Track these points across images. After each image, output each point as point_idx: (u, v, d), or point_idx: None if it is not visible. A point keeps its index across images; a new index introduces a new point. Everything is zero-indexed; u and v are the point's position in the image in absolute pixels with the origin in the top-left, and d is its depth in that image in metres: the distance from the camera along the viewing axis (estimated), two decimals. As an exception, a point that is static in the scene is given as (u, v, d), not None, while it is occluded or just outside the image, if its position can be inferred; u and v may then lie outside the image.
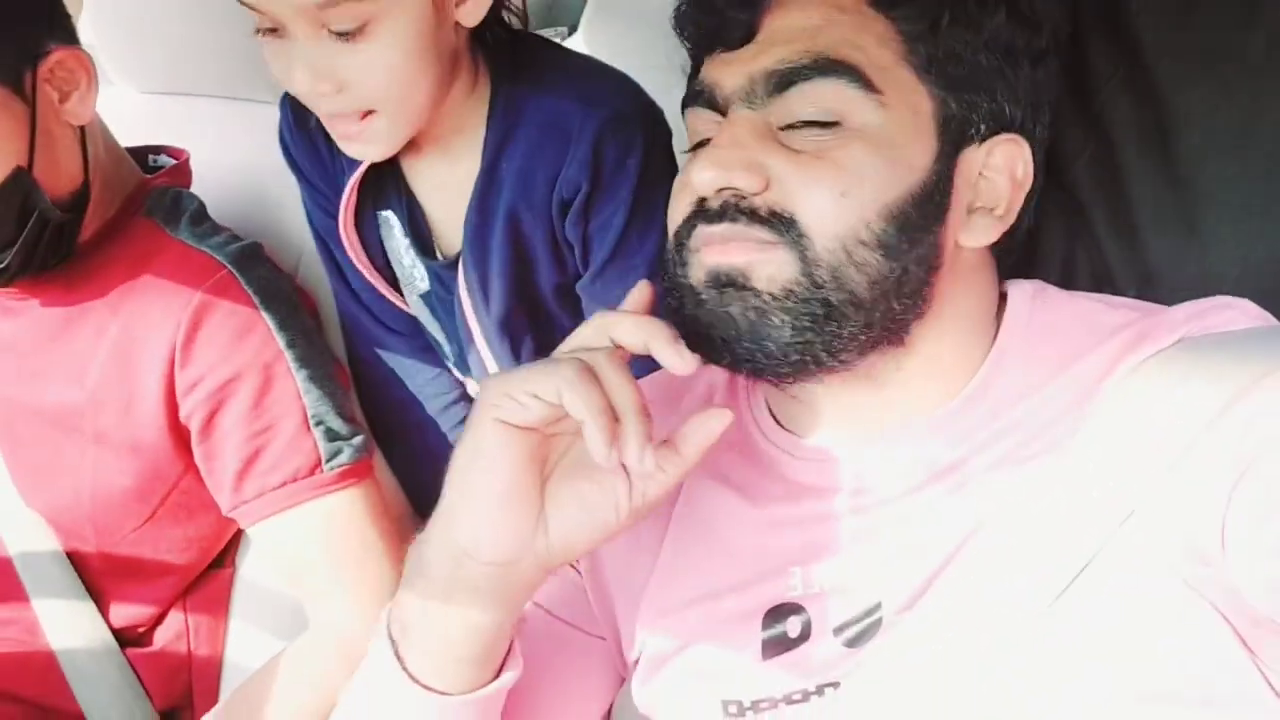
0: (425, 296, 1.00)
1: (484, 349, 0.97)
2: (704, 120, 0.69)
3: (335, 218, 0.98)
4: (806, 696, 0.66)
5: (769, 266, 0.62)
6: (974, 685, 0.59)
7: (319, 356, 0.92)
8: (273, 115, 1.18)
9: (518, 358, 0.96)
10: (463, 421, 1.05)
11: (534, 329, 0.95)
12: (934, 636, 0.61)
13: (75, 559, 0.96)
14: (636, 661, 0.74)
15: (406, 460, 1.06)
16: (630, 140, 0.86)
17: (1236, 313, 0.63)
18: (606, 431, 0.58)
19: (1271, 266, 0.79)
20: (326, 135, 0.92)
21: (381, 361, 1.05)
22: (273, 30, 0.79)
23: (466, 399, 1.08)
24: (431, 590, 0.63)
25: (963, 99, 0.65)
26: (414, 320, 1.04)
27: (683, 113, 0.74)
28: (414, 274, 0.99)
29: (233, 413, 0.88)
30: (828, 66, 0.62)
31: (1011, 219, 0.68)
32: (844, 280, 0.61)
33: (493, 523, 0.61)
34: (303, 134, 0.96)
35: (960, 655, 0.60)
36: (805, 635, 0.66)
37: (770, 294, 0.62)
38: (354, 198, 0.95)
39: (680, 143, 0.85)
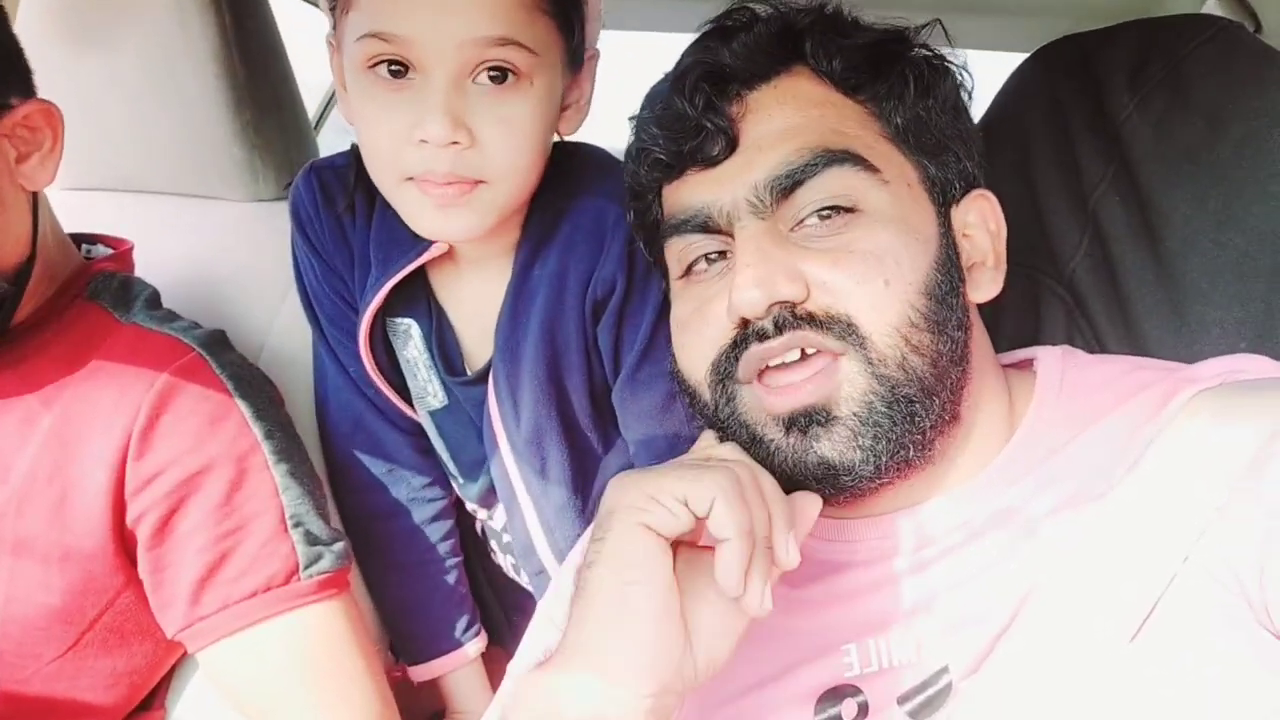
0: (436, 414, 0.95)
1: (510, 462, 0.92)
2: (697, 243, 0.70)
3: (345, 299, 0.93)
4: None
5: (844, 388, 0.63)
6: None
7: (298, 452, 0.85)
8: (222, 211, 1.14)
9: (544, 472, 0.91)
10: (446, 536, 0.98)
11: (564, 441, 0.91)
12: (1006, 695, 0.60)
13: (-32, 703, 0.80)
14: None
15: (382, 574, 0.99)
16: None
17: (1264, 364, 0.69)
18: (747, 558, 0.56)
19: (1254, 352, 0.86)
20: (353, 222, 0.90)
21: (364, 465, 0.98)
22: (399, 71, 0.75)
23: (452, 512, 1.02)
24: None
25: (938, 161, 0.70)
26: (413, 421, 0.98)
27: (648, 248, 0.76)
28: (428, 389, 0.94)
29: (197, 511, 0.78)
30: (829, 158, 0.66)
31: (1004, 267, 0.73)
32: (911, 370, 0.64)
33: (652, 643, 0.57)
34: (330, 214, 0.91)
35: (1039, 707, 0.59)
36: (863, 714, 0.65)
37: (855, 415, 0.63)
38: (381, 304, 0.89)
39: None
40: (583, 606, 0.58)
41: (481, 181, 0.77)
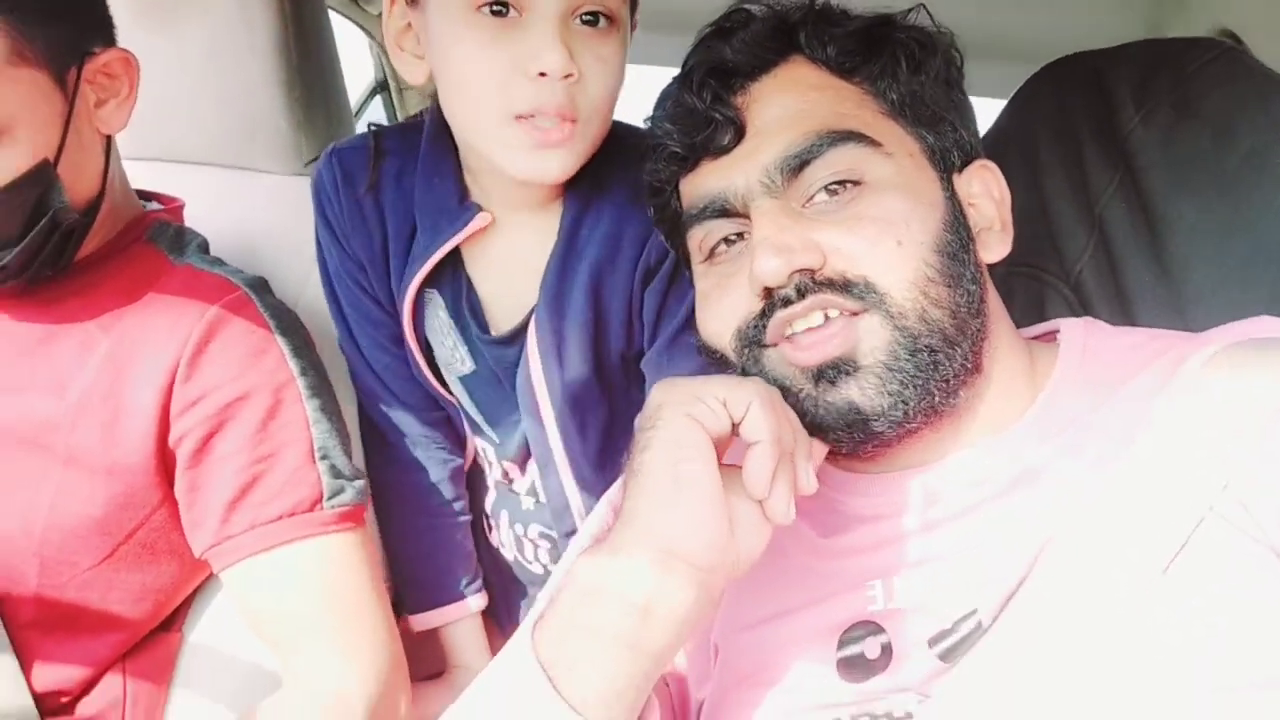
0: (466, 379, 1.01)
1: (549, 419, 0.96)
2: (715, 229, 0.75)
3: (366, 289, 0.99)
4: (891, 717, 0.65)
5: (867, 339, 0.68)
6: (1091, 670, 0.60)
7: (328, 390, 0.91)
8: (266, 181, 1.21)
9: (583, 430, 0.96)
10: (452, 502, 1.04)
11: (604, 399, 0.96)
12: (1036, 635, 0.62)
13: (3, 604, 0.86)
14: (701, 704, 0.73)
15: (393, 523, 1.05)
16: None
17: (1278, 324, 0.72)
18: (775, 462, 0.62)
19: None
20: (376, 204, 0.95)
21: (379, 429, 1.05)
22: (504, 8, 0.79)
23: (463, 477, 1.08)
24: (621, 598, 0.60)
25: (936, 132, 0.75)
26: (426, 395, 1.04)
27: (670, 241, 0.82)
28: (455, 355, 0.99)
29: (234, 435, 0.84)
30: (833, 138, 0.71)
31: (1011, 231, 0.78)
32: (932, 321, 0.68)
33: (703, 520, 0.61)
34: (350, 198, 0.96)
35: (1070, 647, 0.61)
36: (887, 655, 0.68)
37: (881, 363, 0.68)
38: (427, 270, 0.94)
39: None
40: (636, 487, 0.62)
41: (575, 121, 0.82)
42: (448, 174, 0.93)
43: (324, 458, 0.87)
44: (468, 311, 0.97)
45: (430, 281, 0.96)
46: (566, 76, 0.80)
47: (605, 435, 0.97)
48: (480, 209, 0.92)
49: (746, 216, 0.73)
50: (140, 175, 1.23)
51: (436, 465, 1.06)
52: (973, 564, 0.67)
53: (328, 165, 0.97)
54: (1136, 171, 0.93)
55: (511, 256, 0.95)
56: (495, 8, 0.79)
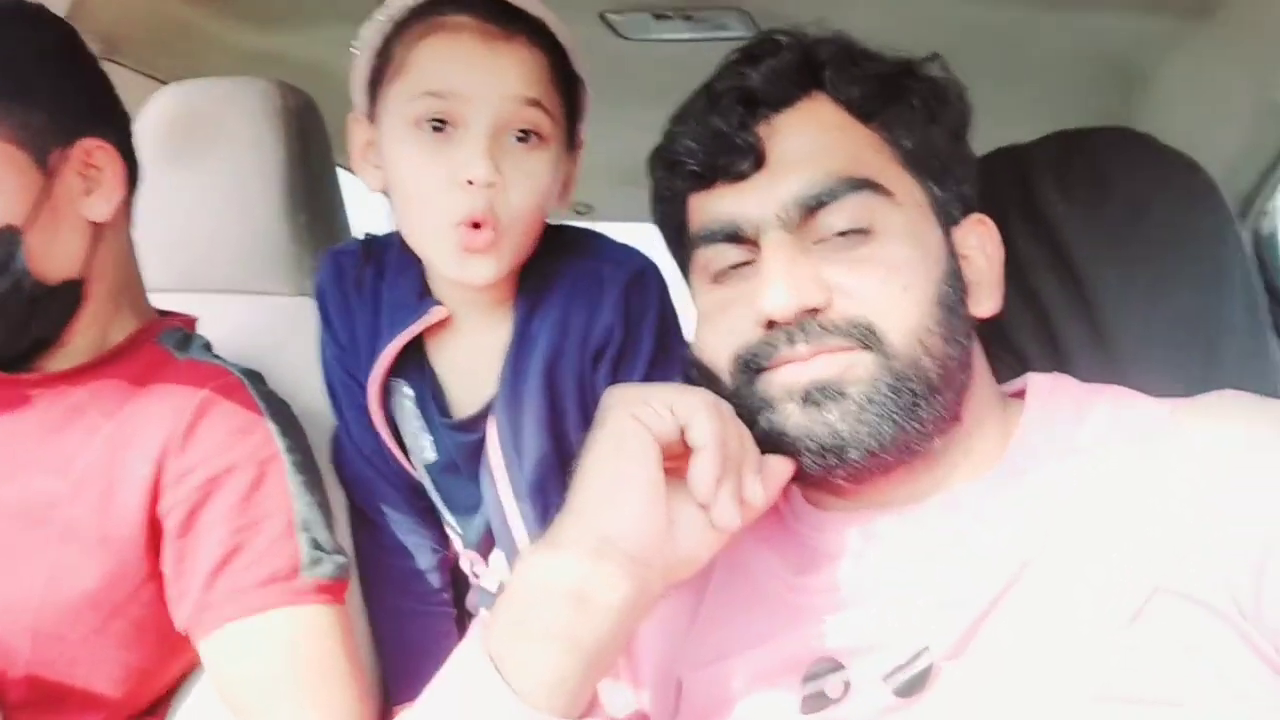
0: (431, 466, 1.07)
1: (510, 508, 1.02)
2: (724, 252, 0.77)
3: (353, 375, 1.08)
4: None
5: (856, 370, 0.71)
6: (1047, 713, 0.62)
7: (313, 470, 0.97)
8: (272, 303, 1.32)
9: (544, 517, 1.00)
10: (439, 591, 1.10)
11: (564, 486, 1.00)
12: (995, 677, 0.65)
13: (-5, 684, 0.90)
14: None
15: (380, 610, 1.09)
16: (648, 294, 1.00)
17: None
18: (719, 468, 0.66)
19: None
20: (359, 298, 1.05)
21: (370, 517, 1.11)
22: (442, 125, 0.89)
23: (448, 569, 1.13)
24: (559, 589, 0.63)
25: (941, 184, 0.78)
26: (413, 483, 1.10)
27: (671, 250, 0.86)
28: (421, 443, 1.06)
29: (219, 507, 0.90)
30: (851, 184, 0.74)
31: (1002, 287, 0.81)
32: (921, 369, 0.72)
33: (640, 513, 0.65)
34: (339, 290, 1.07)
35: (1028, 689, 0.63)
36: (847, 692, 0.70)
37: (866, 396, 0.71)
38: (389, 361, 1.02)
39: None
40: (578, 484, 0.66)
41: (497, 227, 0.90)
42: (412, 274, 1.02)
43: (304, 529, 0.92)
44: (432, 400, 1.04)
45: (400, 372, 1.04)
46: (490, 185, 0.89)
47: None
48: (438, 303, 1.00)
49: (756, 244, 0.75)
50: (167, 302, 1.36)
51: (424, 553, 1.10)
52: (934, 602, 0.69)
53: (324, 264, 1.09)
54: (1063, 246, 1.01)
55: (472, 350, 1.03)
56: (435, 123, 0.90)
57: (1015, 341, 1.02)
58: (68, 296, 0.96)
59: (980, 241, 0.81)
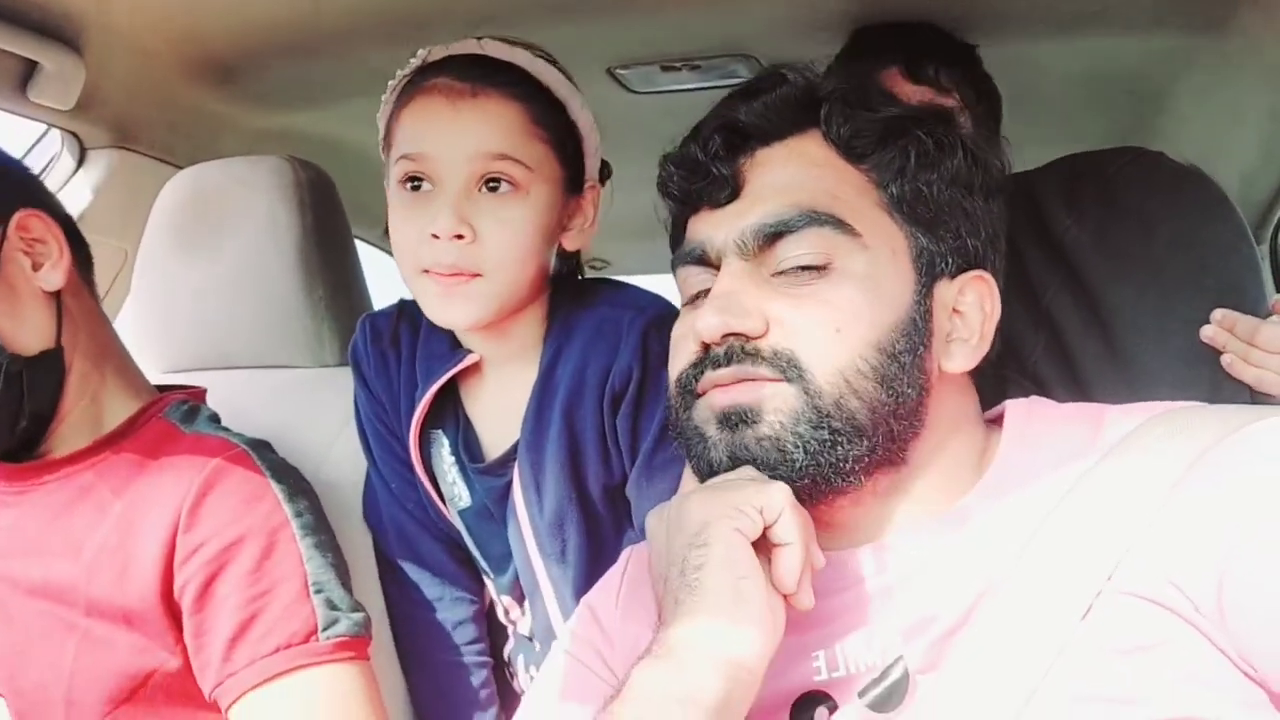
0: (464, 513, 1.11)
1: (532, 548, 1.06)
2: (696, 275, 0.81)
3: (389, 428, 1.13)
4: None
5: (775, 400, 0.74)
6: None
7: (325, 530, 1.00)
8: (292, 376, 1.36)
9: (563, 558, 1.05)
10: (476, 642, 1.13)
11: (583, 526, 1.05)
12: (967, 689, 0.67)
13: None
14: None
15: (415, 662, 1.13)
16: (669, 337, 1.03)
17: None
18: (804, 562, 0.68)
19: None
20: (395, 354, 1.11)
21: (405, 569, 1.14)
22: (418, 184, 0.97)
23: (483, 620, 1.16)
24: (686, 703, 0.64)
25: (932, 235, 0.78)
26: (450, 535, 1.14)
27: (673, 271, 0.87)
28: (455, 490, 1.11)
29: (233, 577, 0.93)
30: (812, 217, 0.75)
31: (986, 346, 0.82)
32: (846, 409, 0.73)
33: (764, 625, 0.67)
34: (376, 350, 1.13)
35: (999, 699, 0.65)
36: (829, 718, 0.72)
37: (780, 424, 0.73)
38: (426, 411, 1.08)
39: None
40: (696, 602, 0.67)
41: (478, 275, 0.96)
42: (445, 330, 1.08)
43: (319, 591, 0.94)
44: (463, 447, 1.08)
45: (437, 423, 1.09)
46: (459, 237, 0.95)
47: (587, 564, 1.04)
48: (469, 351, 1.06)
49: (719, 270, 0.78)
50: (190, 380, 1.40)
51: (460, 605, 1.14)
52: (905, 621, 0.72)
53: (361, 328, 1.15)
54: (1075, 268, 1.03)
55: (501, 396, 1.07)
56: (414, 183, 0.98)
57: (1030, 364, 1.04)
58: (50, 365, 1.00)
59: (979, 297, 0.81)
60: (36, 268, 1.00)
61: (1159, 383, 0.97)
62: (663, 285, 1.06)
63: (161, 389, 1.14)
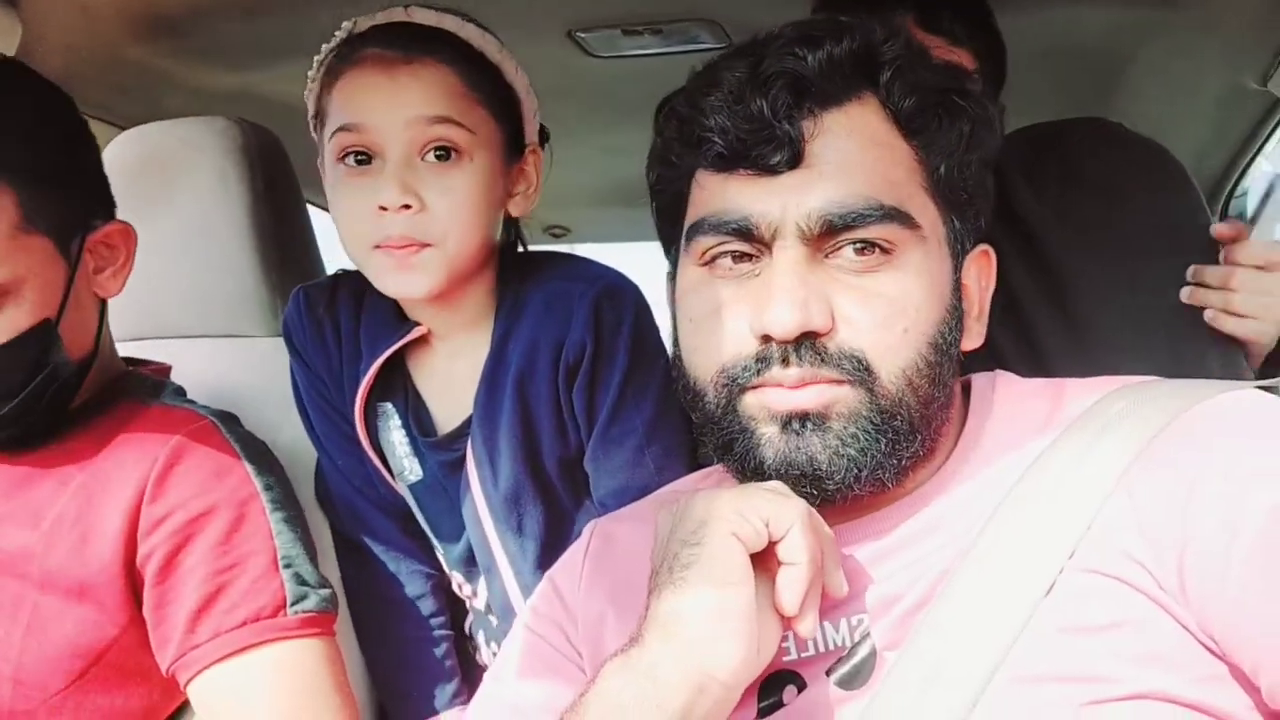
0: (414, 486, 1.11)
1: (487, 523, 1.06)
2: (728, 246, 0.74)
3: (330, 401, 1.12)
4: None
5: (841, 404, 0.72)
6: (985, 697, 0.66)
7: (293, 505, 1.00)
8: (247, 346, 1.35)
9: (520, 533, 1.05)
10: (435, 615, 1.13)
11: (539, 499, 1.06)
12: (930, 668, 0.68)
13: (-26, 736, 0.92)
14: None
15: (376, 637, 1.13)
16: (622, 307, 1.04)
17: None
18: (808, 584, 0.67)
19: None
20: (334, 326, 1.10)
21: (360, 546, 1.14)
22: (360, 158, 0.97)
23: (441, 593, 1.16)
24: (654, 714, 0.64)
25: (961, 216, 0.77)
26: (402, 509, 1.14)
27: (686, 238, 0.78)
28: (406, 464, 1.11)
29: (199, 549, 0.92)
30: (883, 213, 0.72)
31: (986, 318, 0.82)
32: (906, 408, 0.73)
33: (743, 641, 0.65)
34: (311, 322, 1.12)
35: (964, 675, 0.67)
36: (797, 696, 0.74)
37: (849, 431, 0.72)
38: (371, 383, 1.08)
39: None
40: (678, 606, 0.66)
41: (428, 245, 0.97)
42: (390, 300, 1.07)
43: (288, 566, 0.94)
44: (414, 421, 1.08)
45: (384, 395, 1.09)
46: (405, 208, 0.95)
47: (544, 538, 1.06)
48: (417, 324, 1.05)
49: (766, 245, 0.73)
50: (140, 351, 1.39)
51: (416, 579, 1.14)
52: (873, 600, 0.73)
53: (293, 299, 1.13)
54: (1033, 239, 1.05)
55: (451, 370, 1.08)
56: (358, 157, 0.97)
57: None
58: (84, 371, 1.01)
59: (979, 272, 0.81)
60: (98, 271, 1.00)
61: (1114, 350, 1.00)
62: (619, 255, 1.07)
63: (128, 363, 1.13)
